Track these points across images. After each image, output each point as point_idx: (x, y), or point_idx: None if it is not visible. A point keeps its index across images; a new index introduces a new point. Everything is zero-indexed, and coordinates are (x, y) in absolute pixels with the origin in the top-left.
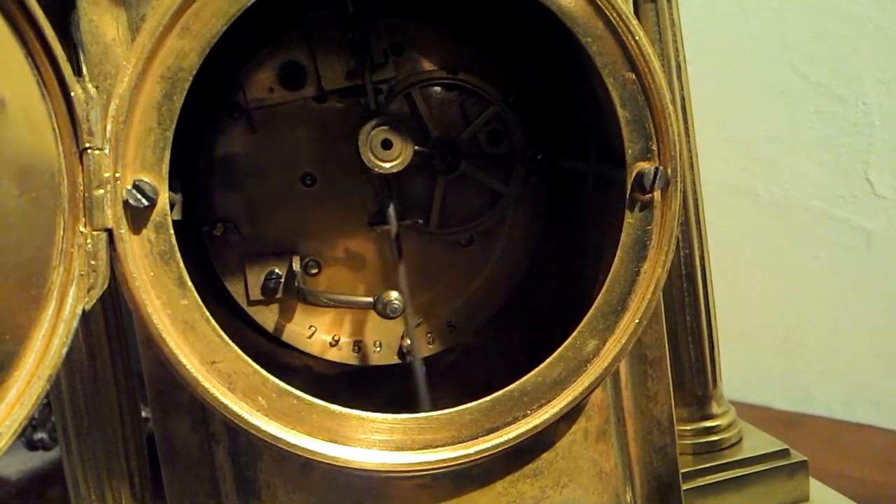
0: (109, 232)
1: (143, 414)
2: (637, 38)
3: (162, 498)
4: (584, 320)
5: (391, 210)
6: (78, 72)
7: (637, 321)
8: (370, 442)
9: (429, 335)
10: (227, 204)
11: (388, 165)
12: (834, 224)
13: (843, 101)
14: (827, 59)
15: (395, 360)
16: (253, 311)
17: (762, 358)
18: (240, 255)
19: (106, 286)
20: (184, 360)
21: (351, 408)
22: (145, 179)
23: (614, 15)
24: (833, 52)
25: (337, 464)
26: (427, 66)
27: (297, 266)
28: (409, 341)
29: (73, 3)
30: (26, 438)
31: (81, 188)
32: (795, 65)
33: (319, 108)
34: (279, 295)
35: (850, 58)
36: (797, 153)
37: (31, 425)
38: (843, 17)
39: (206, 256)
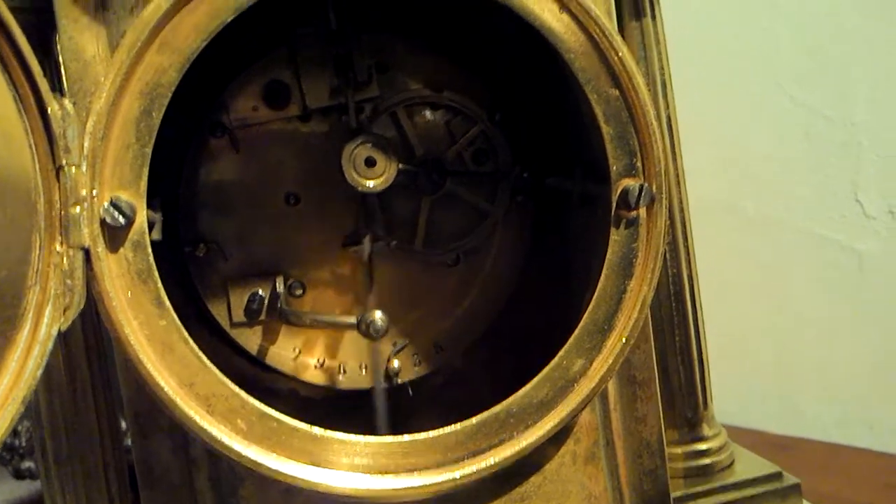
0: (86, 251)
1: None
2: (620, 54)
3: None
4: (571, 339)
5: (364, 228)
6: (60, 90)
7: (624, 340)
8: (353, 465)
9: (415, 356)
10: (210, 224)
11: (371, 184)
12: (825, 244)
13: (832, 121)
14: (815, 79)
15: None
16: (235, 334)
17: (755, 381)
18: (223, 276)
19: (82, 306)
20: (161, 382)
21: (337, 431)
22: (123, 197)
23: (597, 31)
24: (821, 73)
25: (319, 489)
26: (412, 84)
27: (280, 287)
28: (395, 363)
29: (55, 20)
30: (14, 467)
31: (58, 206)
32: (783, 86)
33: (304, 126)
34: (262, 317)
35: (839, 78)
36: (787, 173)
37: (19, 454)
38: (831, 38)
39: (190, 278)
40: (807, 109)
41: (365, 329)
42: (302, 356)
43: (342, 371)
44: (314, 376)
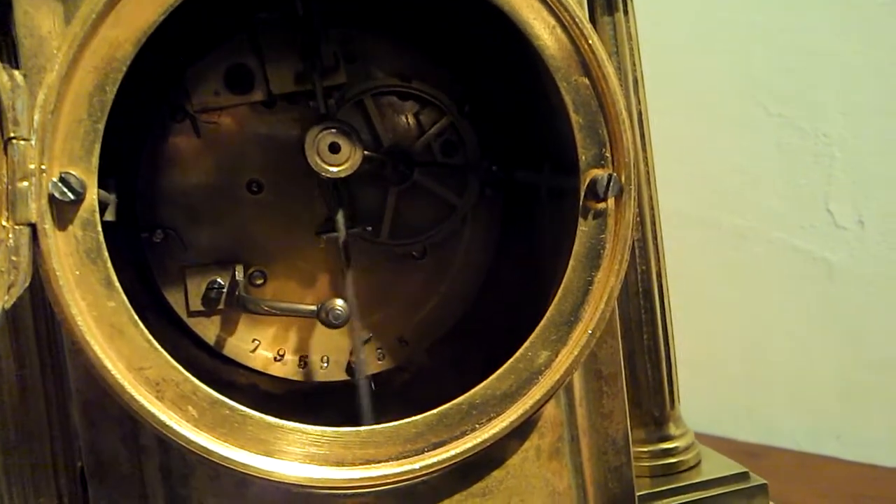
0: (33, 227)
1: None
2: (591, 41)
3: None
4: (536, 331)
5: (340, 217)
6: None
7: (590, 332)
8: (309, 456)
9: (379, 351)
10: (168, 210)
11: (335, 170)
12: (796, 255)
13: (804, 132)
14: (788, 91)
15: (343, 376)
16: (193, 323)
17: (725, 390)
18: (181, 263)
19: (28, 284)
20: (109, 366)
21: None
22: (73, 173)
23: (567, 18)
24: (794, 85)
25: (272, 479)
26: (380, 74)
27: (240, 275)
28: (357, 357)
29: None
30: None
31: (5, 180)
32: (756, 97)
33: (268, 113)
34: (221, 306)
35: (811, 90)
36: (759, 184)
37: None
38: (804, 50)
39: (147, 265)
40: (779, 120)
41: (325, 317)
42: (261, 348)
43: (303, 364)
44: (274, 369)
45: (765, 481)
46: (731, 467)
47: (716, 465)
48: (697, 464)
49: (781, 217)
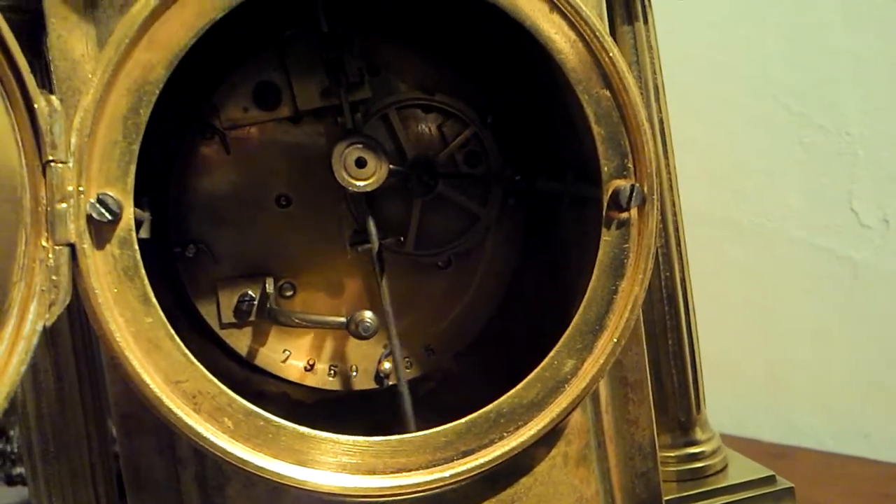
0: (72, 247)
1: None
2: (611, 54)
3: None
4: (562, 340)
5: (371, 226)
6: (49, 91)
7: (615, 340)
8: (341, 465)
9: (406, 360)
10: (199, 225)
11: (361, 184)
12: (820, 254)
13: (827, 131)
14: (810, 89)
15: (372, 385)
16: (225, 334)
17: (749, 390)
18: (212, 277)
19: (68, 302)
20: (147, 380)
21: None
22: (110, 193)
23: (588, 31)
24: (816, 83)
25: (306, 488)
26: (403, 87)
27: (270, 288)
28: (386, 365)
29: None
30: (5, 474)
31: (44, 202)
32: (778, 96)
33: (295, 128)
34: (252, 318)
35: (833, 88)
36: (782, 184)
37: (11, 459)
38: (826, 48)
39: (179, 279)
40: (802, 119)
41: (354, 329)
42: (292, 358)
43: (333, 374)
44: (304, 379)
45: (791, 484)
46: (758, 471)
47: (742, 469)
48: (724, 468)
49: (805, 216)
